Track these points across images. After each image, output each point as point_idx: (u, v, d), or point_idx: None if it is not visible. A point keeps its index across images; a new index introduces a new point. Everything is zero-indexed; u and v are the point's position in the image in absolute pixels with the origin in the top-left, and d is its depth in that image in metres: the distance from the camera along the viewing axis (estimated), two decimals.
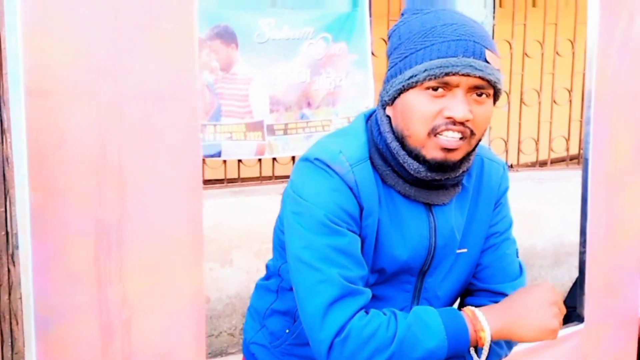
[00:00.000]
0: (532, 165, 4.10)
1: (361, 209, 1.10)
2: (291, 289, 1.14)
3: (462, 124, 1.03)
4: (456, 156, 1.06)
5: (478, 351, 1.10)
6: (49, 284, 0.87)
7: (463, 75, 1.01)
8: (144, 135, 0.93)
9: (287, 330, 1.27)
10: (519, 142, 3.90)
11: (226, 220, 3.23)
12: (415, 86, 1.04)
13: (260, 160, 3.30)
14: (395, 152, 1.09)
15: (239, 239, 3.25)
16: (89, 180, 0.88)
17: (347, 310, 1.04)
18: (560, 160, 4.09)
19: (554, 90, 3.91)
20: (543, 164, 4.03)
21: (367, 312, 1.07)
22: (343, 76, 3.28)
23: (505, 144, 3.88)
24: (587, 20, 1.52)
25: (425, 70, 1.02)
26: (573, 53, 3.93)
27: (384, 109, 1.13)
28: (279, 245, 1.24)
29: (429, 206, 1.16)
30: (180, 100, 0.95)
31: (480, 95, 1.05)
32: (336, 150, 1.10)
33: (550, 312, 1.09)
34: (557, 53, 3.87)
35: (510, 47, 3.78)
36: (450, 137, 1.04)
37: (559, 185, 3.86)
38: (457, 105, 1.02)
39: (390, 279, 1.18)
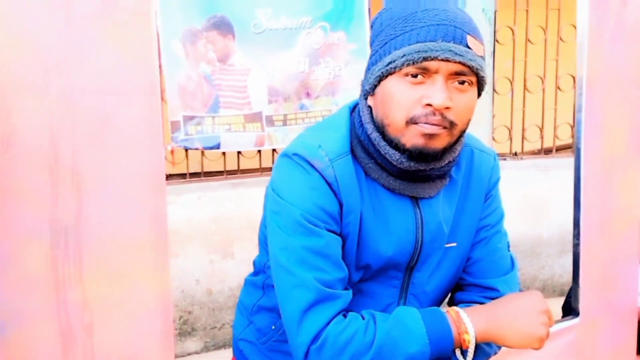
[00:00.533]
0: (537, 152, 4.05)
1: (341, 206, 1.06)
2: None
3: (441, 114, 0.99)
4: (437, 144, 1.02)
5: (464, 352, 1.08)
6: (4, 287, 0.84)
7: (442, 60, 0.98)
8: (100, 133, 0.90)
9: (273, 327, 1.26)
10: (523, 130, 3.85)
11: (226, 213, 3.23)
12: (394, 72, 1.01)
13: (259, 151, 3.29)
14: (376, 144, 1.06)
15: (240, 230, 3.24)
16: (42, 179, 0.85)
17: (323, 315, 1.02)
18: (566, 147, 4.03)
19: (558, 76, 3.85)
20: (548, 151, 3.98)
21: (345, 316, 1.04)
22: (342, 66, 3.25)
23: (509, 132, 3.83)
24: (577, 4, 1.47)
25: (404, 55, 0.99)
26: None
27: (366, 99, 1.10)
28: (264, 241, 1.22)
29: (415, 200, 1.13)
30: (139, 96, 0.92)
31: (462, 83, 1.01)
32: (315, 145, 1.07)
33: (539, 319, 1.07)
34: (560, 39, 3.81)
35: (513, 34, 3.72)
36: (430, 125, 1.00)
37: (564, 172, 3.80)
38: (436, 92, 0.99)
39: (377, 275, 1.15)
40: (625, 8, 1.51)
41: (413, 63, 0.98)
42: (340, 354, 1.00)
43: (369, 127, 1.07)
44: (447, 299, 1.28)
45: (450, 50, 0.98)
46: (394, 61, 1.00)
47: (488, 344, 1.14)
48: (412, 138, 1.01)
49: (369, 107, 1.09)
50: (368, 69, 1.09)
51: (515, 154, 3.91)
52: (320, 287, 1.02)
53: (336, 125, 1.13)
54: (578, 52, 1.55)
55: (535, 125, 3.87)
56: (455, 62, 0.98)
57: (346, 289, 1.08)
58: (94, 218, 0.91)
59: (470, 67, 1.00)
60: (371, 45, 1.10)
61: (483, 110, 3.57)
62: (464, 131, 1.08)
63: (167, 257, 0.99)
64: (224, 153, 3.25)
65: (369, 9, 3.29)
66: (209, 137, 3.09)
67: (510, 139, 3.85)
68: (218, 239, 3.25)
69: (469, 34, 1.01)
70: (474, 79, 1.03)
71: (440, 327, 1.03)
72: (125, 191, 0.93)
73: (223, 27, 2.98)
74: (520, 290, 1.21)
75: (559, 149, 4.02)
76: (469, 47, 1.00)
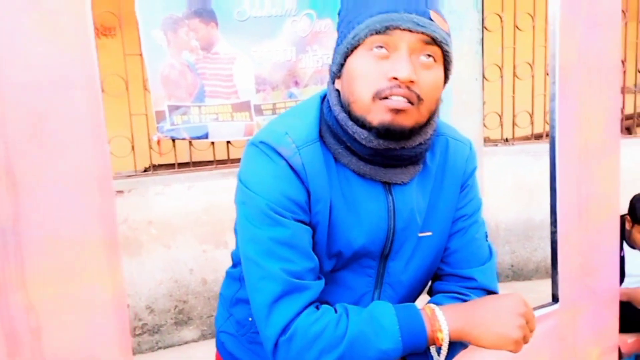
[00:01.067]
0: (528, 138, 4.05)
1: (309, 195, 1.04)
2: None
3: (407, 87, 0.98)
4: (404, 120, 0.99)
5: (438, 350, 1.06)
6: None
7: (405, 30, 0.97)
8: (35, 129, 0.86)
9: (250, 319, 1.25)
10: (513, 116, 3.86)
11: (217, 202, 3.24)
12: (358, 46, 1.00)
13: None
14: (343, 124, 1.04)
15: (232, 220, 3.23)
16: None
17: (291, 307, 1.00)
18: None
19: (547, 62, 3.84)
20: (538, 136, 3.99)
21: (317, 308, 1.03)
22: (330, 54, 3.25)
23: (500, 118, 3.84)
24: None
25: (367, 26, 0.98)
26: None
27: (334, 83, 1.09)
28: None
29: (387, 186, 1.10)
30: (77, 90, 0.87)
31: (427, 57, 1.00)
32: (282, 132, 1.04)
33: (515, 321, 1.03)
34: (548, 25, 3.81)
35: (501, 20, 3.73)
36: (396, 99, 0.98)
37: None
38: (401, 64, 0.97)
39: (351, 264, 1.13)
40: None
41: (376, 33, 0.97)
42: (310, 347, 0.99)
43: (337, 109, 1.05)
44: (426, 289, 1.27)
45: (412, 21, 0.97)
46: (357, 34, 0.99)
47: (462, 342, 1.13)
48: (378, 114, 0.99)
49: (337, 90, 1.07)
50: (335, 51, 1.07)
51: (507, 140, 3.92)
52: (288, 278, 1.00)
53: (305, 112, 1.10)
54: (550, 41, 1.53)
55: (525, 111, 3.88)
56: (418, 33, 0.97)
57: (319, 278, 1.06)
58: (35, 219, 0.87)
59: (433, 39, 0.99)
60: (338, 31, 1.09)
61: (474, 98, 3.58)
62: (433, 112, 1.06)
63: (119, 256, 0.96)
64: (212, 143, 3.27)
65: None
66: (196, 127, 3.11)
67: (501, 125, 3.86)
68: (210, 229, 3.27)
69: (431, 9, 1.00)
70: (439, 53, 1.01)
71: (414, 324, 1.02)
72: (68, 190, 0.89)
73: (205, 14, 2.98)
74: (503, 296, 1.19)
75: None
76: (431, 20, 0.99)
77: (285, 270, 1.00)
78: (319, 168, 1.04)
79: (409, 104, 0.98)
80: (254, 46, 3.09)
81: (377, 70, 0.98)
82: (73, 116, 0.89)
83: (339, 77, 1.06)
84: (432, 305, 1.06)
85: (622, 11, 3.81)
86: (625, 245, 2.87)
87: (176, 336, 3.32)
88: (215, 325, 1.40)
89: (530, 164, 3.81)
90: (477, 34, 3.70)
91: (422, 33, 0.97)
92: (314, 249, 1.06)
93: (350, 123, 1.03)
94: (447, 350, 1.04)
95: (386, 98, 0.98)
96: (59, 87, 0.87)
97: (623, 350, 2.87)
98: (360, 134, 1.02)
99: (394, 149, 1.04)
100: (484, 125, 3.77)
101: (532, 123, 3.92)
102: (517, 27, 3.75)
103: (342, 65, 1.04)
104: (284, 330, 1.00)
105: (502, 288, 4.23)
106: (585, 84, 1.56)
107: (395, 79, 0.97)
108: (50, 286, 0.89)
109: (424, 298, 1.24)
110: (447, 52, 1.02)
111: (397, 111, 0.98)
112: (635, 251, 2.85)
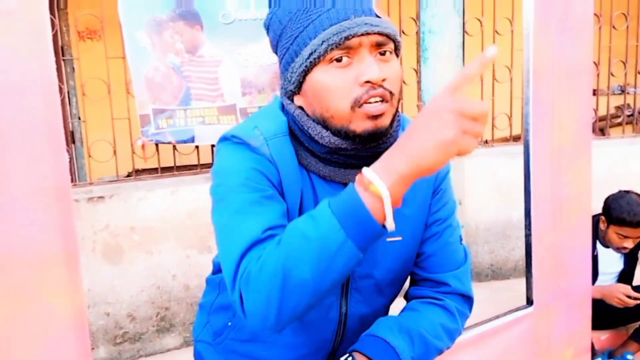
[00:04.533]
0: (507, 140, 4.12)
1: (281, 183, 1.03)
2: None
3: (380, 86, 0.97)
4: (384, 121, 1.00)
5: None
6: None
7: (362, 35, 0.96)
8: None
9: (230, 323, 1.23)
10: (492, 118, 3.92)
11: (202, 206, 3.20)
12: (318, 63, 0.98)
13: None
14: (302, 125, 1.03)
15: None
16: None
17: (254, 257, 0.93)
18: None
19: None
20: (517, 138, 4.06)
21: None
22: None
23: None
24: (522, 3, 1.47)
25: (323, 41, 0.96)
26: None
27: (291, 100, 1.06)
28: None
29: None
30: (34, 95, 0.83)
31: (383, 53, 1.00)
32: (251, 126, 1.05)
33: (442, 121, 0.82)
34: None
35: (481, 25, 3.78)
36: (375, 104, 0.97)
37: None
38: (369, 66, 0.96)
39: None
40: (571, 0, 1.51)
41: (336, 46, 0.96)
42: (258, 282, 0.90)
43: (310, 125, 1.03)
44: (403, 293, 1.26)
45: (366, 24, 0.96)
46: (315, 50, 0.97)
47: (438, 336, 1.11)
48: (361, 122, 0.98)
49: (300, 107, 1.05)
50: (285, 70, 1.05)
51: (486, 141, 3.98)
52: (259, 232, 0.94)
53: (272, 113, 1.10)
54: (524, 45, 1.54)
55: (504, 114, 3.94)
56: (374, 34, 0.97)
57: None
58: None
59: (387, 35, 0.99)
60: (275, 48, 1.07)
61: None
62: (400, 100, 1.06)
63: (79, 270, 0.90)
64: (197, 147, 3.22)
65: None
66: (182, 131, 3.06)
67: None
68: (194, 234, 3.22)
69: (371, 3, 1.00)
70: (392, 45, 1.01)
71: (345, 195, 0.88)
72: (21, 202, 0.83)
73: (190, 17, 2.95)
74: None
75: None
76: (379, 17, 0.99)
77: (260, 223, 0.96)
78: (289, 160, 1.04)
79: (385, 104, 0.99)
80: (239, 49, 3.07)
81: (346, 80, 0.98)
82: (29, 122, 0.84)
83: (298, 94, 1.05)
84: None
85: (596, 15, 3.90)
86: (598, 244, 2.94)
87: (158, 344, 3.27)
88: (193, 335, 1.38)
89: (509, 165, 3.88)
90: (459, 38, 3.74)
91: (378, 33, 0.97)
92: None
93: (334, 138, 1.01)
94: (392, 209, 0.87)
95: (364, 103, 0.97)
96: (13, 92, 0.82)
97: (596, 347, 2.94)
98: (341, 144, 1.01)
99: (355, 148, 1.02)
100: None
101: (510, 125, 3.99)
102: (496, 31, 3.80)
103: (300, 82, 1.02)
104: (241, 276, 0.93)
105: (482, 287, 4.30)
106: (558, 87, 1.58)
107: (368, 82, 0.96)
108: (4, 305, 0.84)
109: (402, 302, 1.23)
110: (399, 42, 1.02)
111: (376, 116, 0.98)
112: (609, 250, 2.93)
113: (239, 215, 0.97)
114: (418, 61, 3.80)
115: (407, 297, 1.23)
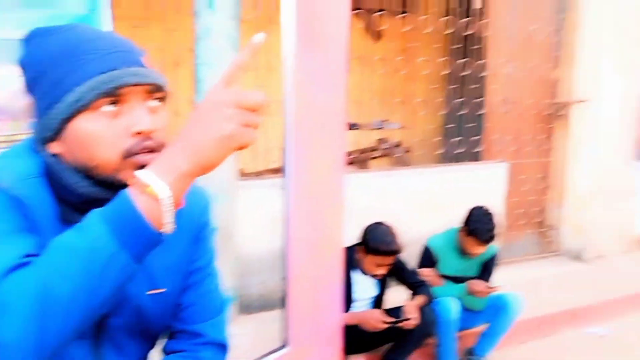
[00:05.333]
0: (278, 171, 4.28)
1: (37, 222, 0.95)
2: None
3: (150, 137, 0.96)
4: None
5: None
6: None
7: (134, 85, 0.95)
8: None
9: None
10: (265, 151, 4.05)
11: None
12: (84, 110, 0.94)
13: None
14: (76, 188, 0.97)
15: None
16: None
17: (11, 282, 0.82)
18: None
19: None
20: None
21: None
22: None
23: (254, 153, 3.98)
24: (282, 50, 1.55)
25: (93, 89, 0.92)
26: None
27: (46, 146, 0.99)
28: None
29: None
30: None
31: (154, 104, 0.99)
32: (1, 166, 0.98)
33: (220, 115, 0.82)
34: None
35: (256, 60, 3.89)
36: (146, 154, 0.95)
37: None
38: (141, 117, 0.95)
39: None
40: (328, 55, 1.62)
41: (107, 95, 0.93)
42: (14, 301, 0.79)
43: (66, 175, 0.98)
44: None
45: (137, 74, 0.95)
46: (83, 97, 0.93)
47: None
48: (131, 172, 0.92)
49: (54, 155, 0.99)
50: (41, 114, 0.97)
51: (260, 173, 4.09)
52: (20, 256, 0.85)
53: (26, 153, 1.01)
54: (285, 97, 1.62)
55: (277, 147, 4.10)
56: (146, 85, 0.96)
57: None
58: None
59: (158, 86, 0.99)
60: (31, 89, 0.99)
61: None
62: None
63: None
64: None
65: (113, 25, 3.17)
66: None
67: (256, 159, 4.01)
68: None
69: (140, 56, 1.00)
70: (162, 95, 1.01)
71: (116, 201, 0.83)
72: None
73: None
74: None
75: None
76: (148, 67, 0.99)
77: (15, 250, 0.86)
78: (42, 203, 0.97)
79: (156, 154, 0.96)
80: None
81: (115, 130, 0.95)
82: None
83: (55, 140, 0.98)
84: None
85: (357, 58, 4.23)
86: (355, 272, 3.14)
87: None
88: None
89: (280, 197, 4.02)
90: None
91: (149, 84, 0.97)
92: None
93: (93, 189, 0.97)
94: (171, 208, 0.84)
95: (135, 154, 0.95)
96: None
97: None
98: (100, 194, 0.97)
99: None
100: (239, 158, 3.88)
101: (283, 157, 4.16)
102: (271, 67, 3.95)
103: (59, 129, 0.96)
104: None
105: (252, 319, 4.31)
106: (315, 134, 1.70)
107: (139, 133, 0.95)
108: None
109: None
110: (168, 92, 1.02)
111: (144, 166, 0.94)
112: (365, 277, 3.16)
113: None
114: (194, 92, 3.79)
115: (165, 351, 1.21)
